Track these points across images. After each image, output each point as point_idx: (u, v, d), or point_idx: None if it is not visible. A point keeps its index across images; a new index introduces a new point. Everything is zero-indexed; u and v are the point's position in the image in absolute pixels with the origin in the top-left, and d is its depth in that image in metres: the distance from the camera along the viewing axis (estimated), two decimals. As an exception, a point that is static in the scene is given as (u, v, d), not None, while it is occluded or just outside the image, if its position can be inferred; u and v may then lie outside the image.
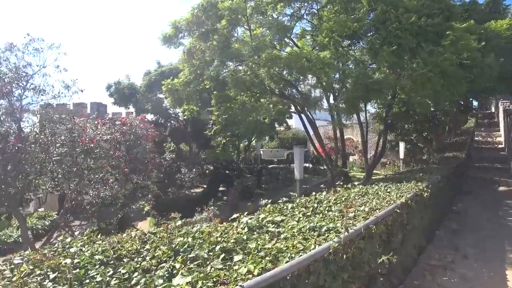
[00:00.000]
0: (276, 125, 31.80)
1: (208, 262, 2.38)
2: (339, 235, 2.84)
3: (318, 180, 24.74)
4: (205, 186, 21.64)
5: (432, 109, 12.61)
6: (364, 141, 15.66)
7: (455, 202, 10.06)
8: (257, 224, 3.32)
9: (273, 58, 11.15)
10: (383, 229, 3.72)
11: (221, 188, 21.15)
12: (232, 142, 14.91)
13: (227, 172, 22.13)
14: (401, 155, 21.20)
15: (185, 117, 18.41)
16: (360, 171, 27.60)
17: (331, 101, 12.63)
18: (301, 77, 12.58)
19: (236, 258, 2.41)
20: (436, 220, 7.25)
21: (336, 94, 10.84)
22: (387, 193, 5.26)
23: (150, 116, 21.76)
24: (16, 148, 9.41)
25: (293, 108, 17.22)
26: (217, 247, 2.62)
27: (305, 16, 11.76)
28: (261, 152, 34.47)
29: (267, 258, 2.36)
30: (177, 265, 2.33)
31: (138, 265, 2.45)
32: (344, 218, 3.31)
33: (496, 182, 13.33)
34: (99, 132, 10.47)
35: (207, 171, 22.59)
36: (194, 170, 18.02)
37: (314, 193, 5.44)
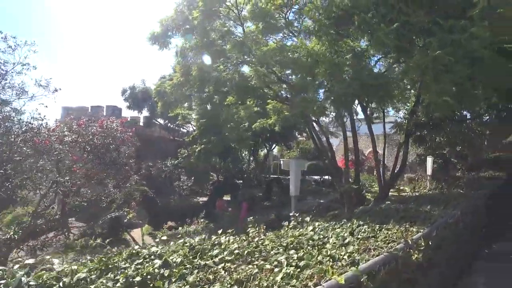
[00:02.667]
0: (296, 134, 29.08)
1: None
2: None
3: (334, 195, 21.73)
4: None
5: (456, 113, 9.34)
6: (375, 154, 12.63)
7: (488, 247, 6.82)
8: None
9: (259, 54, 8.88)
10: None
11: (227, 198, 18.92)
12: (213, 149, 12.71)
13: (235, 181, 19.91)
14: (428, 171, 17.60)
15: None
16: (385, 186, 23.96)
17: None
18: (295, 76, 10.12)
19: None
20: None
21: (325, 90, 8.15)
22: (335, 251, 2.66)
23: (161, 121, 20.26)
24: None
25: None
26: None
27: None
28: (281, 162, 31.75)
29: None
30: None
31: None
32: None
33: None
34: (56, 134, 8.78)
35: (215, 179, 20.52)
36: (193, 177, 16.04)
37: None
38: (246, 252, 2.82)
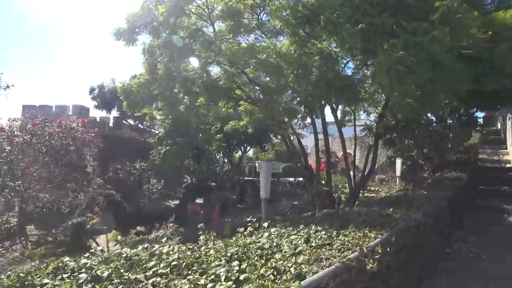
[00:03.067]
0: (272, 136, 29.05)
1: None
2: None
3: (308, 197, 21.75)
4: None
5: (423, 116, 9.47)
6: (345, 156, 12.67)
7: (450, 247, 6.84)
8: None
9: (228, 54, 8.58)
10: None
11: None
12: (179, 150, 12.22)
13: (209, 184, 19.41)
14: (398, 173, 17.99)
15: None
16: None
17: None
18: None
19: None
20: None
21: (292, 92, 7.95)
22: (283, 261, 2.40)
23: (132, 122, 19.40)
24: None
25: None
26: None
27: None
28: (256, 164, 31.57)
29: None
30: None
31: None
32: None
33: (505, 210, 10.01)
34: (4, 134, 8.02)
35: (189, 182, 19.92)
36: (163, 180, 15.41)
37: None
38: (184, 263, 2.51)
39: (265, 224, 4.12)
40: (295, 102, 7.00)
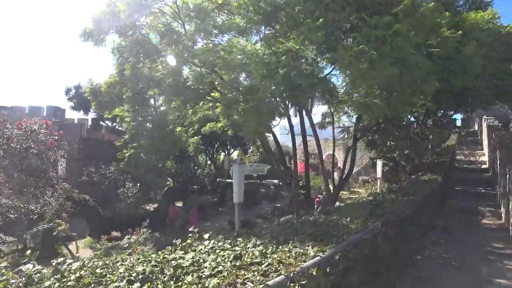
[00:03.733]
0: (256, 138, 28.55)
1: None
2: None
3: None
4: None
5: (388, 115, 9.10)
6: (321, 159, 12.30)
7: (420, 253, 6.47)
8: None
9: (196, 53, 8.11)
10: None
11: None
12: (144, 153, 11.61)
13: (190, 187, 18.78)
14: (378, 174, 17.71)
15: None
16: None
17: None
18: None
19: None
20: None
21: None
22: None
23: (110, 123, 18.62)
24: None
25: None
26: None
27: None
28: (239, 166, 30.98)
29: None
30: None
31: None
32: None
33: (480, 213, 9.80)
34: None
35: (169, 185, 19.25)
36: (138, 184, 14.73)
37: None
38: (80, 285, 2.08)
39: (206, 236, 3.64)
40: (255, 102, 6.51)
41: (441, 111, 13.13)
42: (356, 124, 13.41)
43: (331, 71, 7.91)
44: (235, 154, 30.68)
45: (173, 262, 2.61)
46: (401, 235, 4.89)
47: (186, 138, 12.78)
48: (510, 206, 7.84)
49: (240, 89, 8.38)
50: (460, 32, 6.54)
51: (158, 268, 2.46)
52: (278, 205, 20.17)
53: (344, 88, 7.86)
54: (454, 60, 5.67)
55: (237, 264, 2.40)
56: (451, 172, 13.46)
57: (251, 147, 29.84)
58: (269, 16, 5.97)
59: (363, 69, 4.61)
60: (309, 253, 2.63)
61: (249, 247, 2.99)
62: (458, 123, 24.99)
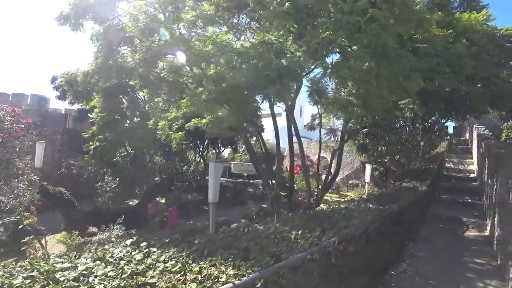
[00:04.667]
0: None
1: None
2: None
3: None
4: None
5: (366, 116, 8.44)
6: (303, 161, 11.62)
7: (395, 268, 5.75)
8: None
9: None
10: None
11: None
12: (109, 147, 10.86)
13: (175, 183, 18.02)
14: (367, 179, 17.15)
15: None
16: (330, 192, 23.43)
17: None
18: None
19: None
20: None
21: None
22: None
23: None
24: None
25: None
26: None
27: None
28: (232, 165, 30.26)
29: None
30: None
31: None
32: None
33: (464, 223, 9.13)
34: None
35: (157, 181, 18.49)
36: (117, 179, 13.97)
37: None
38: None
39: (128, 242, 2.95)
40: (215, 95, 5.81)
41: (431, 117, 12.49)
42: (344, 126, 12.77)
43: (314, 68, 7.29)
44: (226, 152, 29.95)
45: (58, 274, 1.94)
46: (370, 251, 4.19)
47: (165, 134, 12.05)
48: (496, 219, 7.18)
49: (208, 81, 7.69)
50: (451, 31, 5.89)
51: (29, 282, 1.80)
52: (264, 205, 19.53)
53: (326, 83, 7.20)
54: (442, 58, 4.99)
55: (125, 283, 1.71)
56: (438, 180, 12.80)
57: (243, 146, 29.14)
58: (238, 4, 5.26)
59: (336, 60, 3.91)
60: (221, 278, 1.93)
61: (160, 260, 2.30)
62: (450, 131, 24.47)
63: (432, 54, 4.92)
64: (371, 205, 5.85)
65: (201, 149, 23.75)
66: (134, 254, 2.53)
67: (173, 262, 2.27)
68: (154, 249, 2.75)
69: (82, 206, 14.39)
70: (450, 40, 5.87)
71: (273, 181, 11.36)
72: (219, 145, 24.72)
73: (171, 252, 2.59)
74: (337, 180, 28.30)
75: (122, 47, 9.23)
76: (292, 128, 11.02)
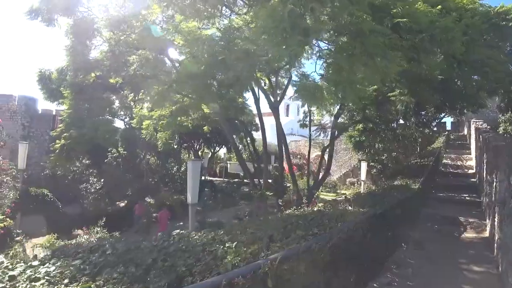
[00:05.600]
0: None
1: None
2: None
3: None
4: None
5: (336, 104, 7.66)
6: (288, 159, 10.86)
7: (382, 274, 4.97)
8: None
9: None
10: None
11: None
12: (75, 146, 10.15)
13: (169, 184, 17.38)
14: (362, 177, 16.29)
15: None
16: (327, 190, 22.62)
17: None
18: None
19: None
20: None
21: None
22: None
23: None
24: None
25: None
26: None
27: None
28: (228, 164, 29.55)
29: None
30: None
31: None
32: None
33: (461, 224, 8.30)
34: None
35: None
36: (102, 180, 13.30)
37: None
38: None
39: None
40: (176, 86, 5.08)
41: (423, 109, 11.68)
42: (334, 122, 12.02)
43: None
44: (222, 152, 29.20)
45: None
46: (334, 266, 3.39)
47: (149, 133, 11.37)
48: (496, 219, 6.35)
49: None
50: (440, 7, 5.11)
51: None
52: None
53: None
54: (426, 32, 4.20)
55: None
56: (435, 176, 11.95)
57: (240, 145, 28.44)
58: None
59: (295, 30, 3.13)
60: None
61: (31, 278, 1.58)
62: (449, 127, 23.55)
63: (415, 30, 4.15)
64: (350, 208, 5.07)
65: (196, 148, 23.09)
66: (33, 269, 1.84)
67: (43, 281, 1.57)
68: (36, 263, 2.06)
69: (69, 208, 13.76)
70: (436, 14, 5.10)
71: (253, 181, 10.62)
72: (214, 144, 24.04)
73: (52, 268, 1.89)
74: (334, 178, 27.44)
75: (93, 40, 8.58)
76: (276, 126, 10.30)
